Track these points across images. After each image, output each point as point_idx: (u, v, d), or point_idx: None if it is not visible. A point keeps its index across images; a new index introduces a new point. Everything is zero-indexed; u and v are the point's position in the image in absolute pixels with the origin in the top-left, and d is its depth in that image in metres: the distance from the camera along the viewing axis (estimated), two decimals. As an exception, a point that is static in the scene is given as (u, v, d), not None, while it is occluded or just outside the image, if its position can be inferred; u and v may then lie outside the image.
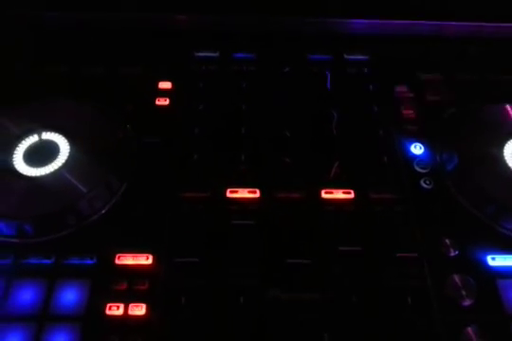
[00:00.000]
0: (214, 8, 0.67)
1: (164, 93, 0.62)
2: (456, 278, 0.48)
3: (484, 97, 0.62)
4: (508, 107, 0.59)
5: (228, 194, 0.53)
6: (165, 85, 0.63)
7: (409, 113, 0.61)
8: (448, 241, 0.51)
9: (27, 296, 0.46)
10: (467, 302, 0.47)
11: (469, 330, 0.45)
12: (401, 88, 0.64)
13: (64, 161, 0.53)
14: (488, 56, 0.67)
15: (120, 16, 0.68)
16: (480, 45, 0.67)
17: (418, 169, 0.56)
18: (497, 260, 0.49)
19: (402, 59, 0.66)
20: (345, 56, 0.67)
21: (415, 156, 0.57)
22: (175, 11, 0.68)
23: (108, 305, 0.45)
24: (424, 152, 0.58)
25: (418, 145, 0.58)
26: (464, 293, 0.47)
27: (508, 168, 0.54)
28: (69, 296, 0.46)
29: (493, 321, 0.46)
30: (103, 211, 0.52)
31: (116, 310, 0.45)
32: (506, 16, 0.67)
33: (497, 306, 0.47)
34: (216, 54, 0.66)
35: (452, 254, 0.50)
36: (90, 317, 0.45)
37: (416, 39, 0.68)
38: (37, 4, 0.67)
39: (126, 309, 0.45)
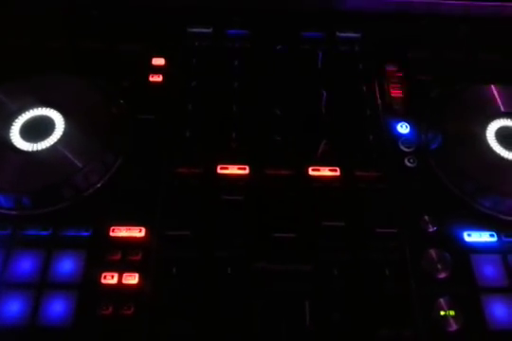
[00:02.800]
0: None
1: (157, 69, 0.63)
2: (432, 252, 0.51)
3: (473, 76, 0.63)
4: (493, 88, 0.60)
5: (219, 170, 0.55)
6: (158, 62, 0.63)
7: (397, 92, 0.62)
8: (427, 217, 0.53)
9: (25, 265, 0.48)
10: (442, 275, 0.50)
11: (441, 300, 0.48)
12: (391, 67, 0.65)
13: (59, 136, 0.54)
14: (478, 35, 0.67)
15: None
16: (470, 24, 0.68)
17: (403, 147, 0.58)
18: (472, 237, 0.52)
19: (393, 36, 0.67)
20: (337, 33, 0.67)
21: (401, 135, 0.59)
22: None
23: (103, 274, 0.48)
24: (409, 132, 0.59)
25: (404, 124, 0.60)
26: (439, 266, 0.50)
27: (489, 148, 0.56)
28: (66, 265, 0.48)
29: (465, 293, 0.49)
30: (99, 185, 0.54)
31: (110, 279, 0.47)
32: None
33: (469, 279, 0.50)
34: (209, 30, 0.67)
35: (431, 230, 0.52)
36: (86, 286, 0.47)
37: (408, 17, 0.69)
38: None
39: (120, 278, 0.48)
